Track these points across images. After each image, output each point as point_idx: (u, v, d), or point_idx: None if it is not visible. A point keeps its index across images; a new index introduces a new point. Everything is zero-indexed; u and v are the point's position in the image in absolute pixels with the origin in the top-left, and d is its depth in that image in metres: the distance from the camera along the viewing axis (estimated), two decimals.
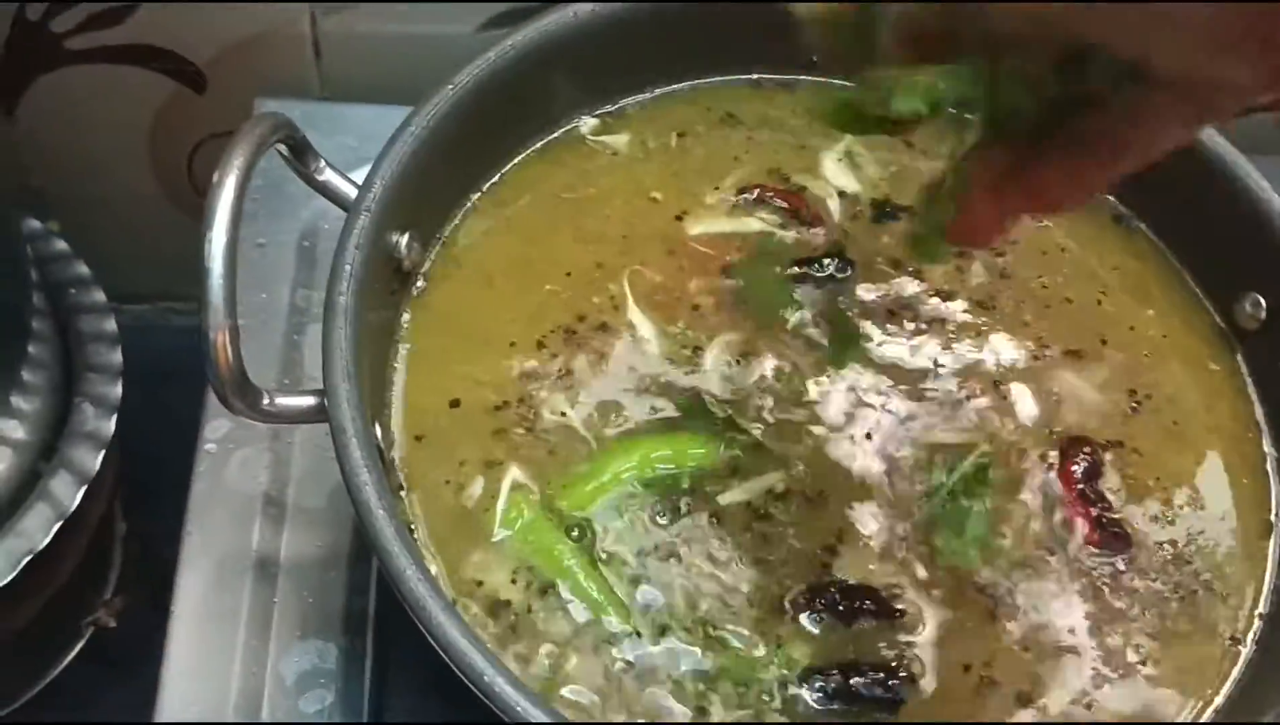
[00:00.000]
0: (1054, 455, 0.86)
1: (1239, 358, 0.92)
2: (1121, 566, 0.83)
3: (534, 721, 0.64)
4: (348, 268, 0.76)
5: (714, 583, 0.78)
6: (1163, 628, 0.81)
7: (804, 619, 0.78)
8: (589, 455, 0.82)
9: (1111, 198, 0.98)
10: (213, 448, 0.98)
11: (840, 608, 0.78)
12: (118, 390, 1.12)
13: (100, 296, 1.16)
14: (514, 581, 0.78)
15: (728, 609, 0.78)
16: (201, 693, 0.88)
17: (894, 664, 0.77)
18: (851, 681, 0.75)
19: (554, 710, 0.65)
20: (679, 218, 0.94)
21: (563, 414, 0.84)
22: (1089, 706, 0.78)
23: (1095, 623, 0.80)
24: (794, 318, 0.89)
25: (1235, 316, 0.92)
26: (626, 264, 0.91)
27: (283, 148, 0.79)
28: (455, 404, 0.84)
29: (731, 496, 0.81)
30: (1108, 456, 0.87)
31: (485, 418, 0.84)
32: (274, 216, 1.09)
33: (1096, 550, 0.83)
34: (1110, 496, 0.85)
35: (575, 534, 0.79)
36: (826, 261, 0.92)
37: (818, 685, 0.75)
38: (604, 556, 0.79)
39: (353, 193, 0.81)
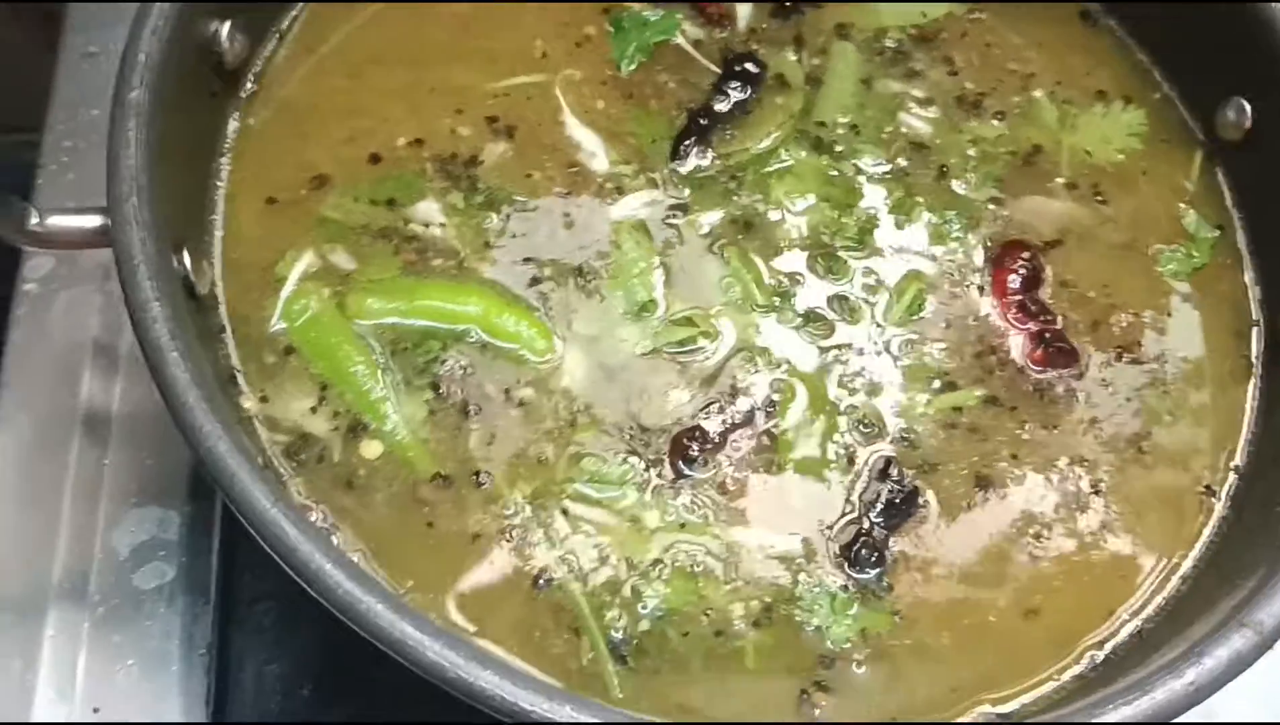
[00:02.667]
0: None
1: (1220, 174, 0.80)
2: (1071, 385, 0.72)
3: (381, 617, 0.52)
4: (142, 57, 0.62)
5: None
6: (1121, 465, 0.71)
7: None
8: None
9: None
10: (33, 288, 0.84)
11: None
12: None
13: None
14: (314, 410, 0.67)
15: None
16: (18, 570, 0.76)
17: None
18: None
19: (390, 595, 0.53)
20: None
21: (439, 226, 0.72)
22: (1038, 537, 0.68)
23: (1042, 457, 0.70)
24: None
25: (1216, 126, 0.79)
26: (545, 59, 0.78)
27: None
28: (275, 202, 0.71)
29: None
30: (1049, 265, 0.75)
31: (331, 231, 0.71)
32: (107, 23, 0.93)
33: (1039, 369, 0.72)
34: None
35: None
36: (731, 88, 0.78)
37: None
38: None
39: None
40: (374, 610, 0.51)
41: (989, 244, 0.75)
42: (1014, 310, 0.73)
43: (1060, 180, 0.78)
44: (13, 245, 0.60)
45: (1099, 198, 0.78)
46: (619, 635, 0.63)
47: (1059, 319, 0.74)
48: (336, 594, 0.52)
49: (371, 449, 0.66)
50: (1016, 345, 0.73)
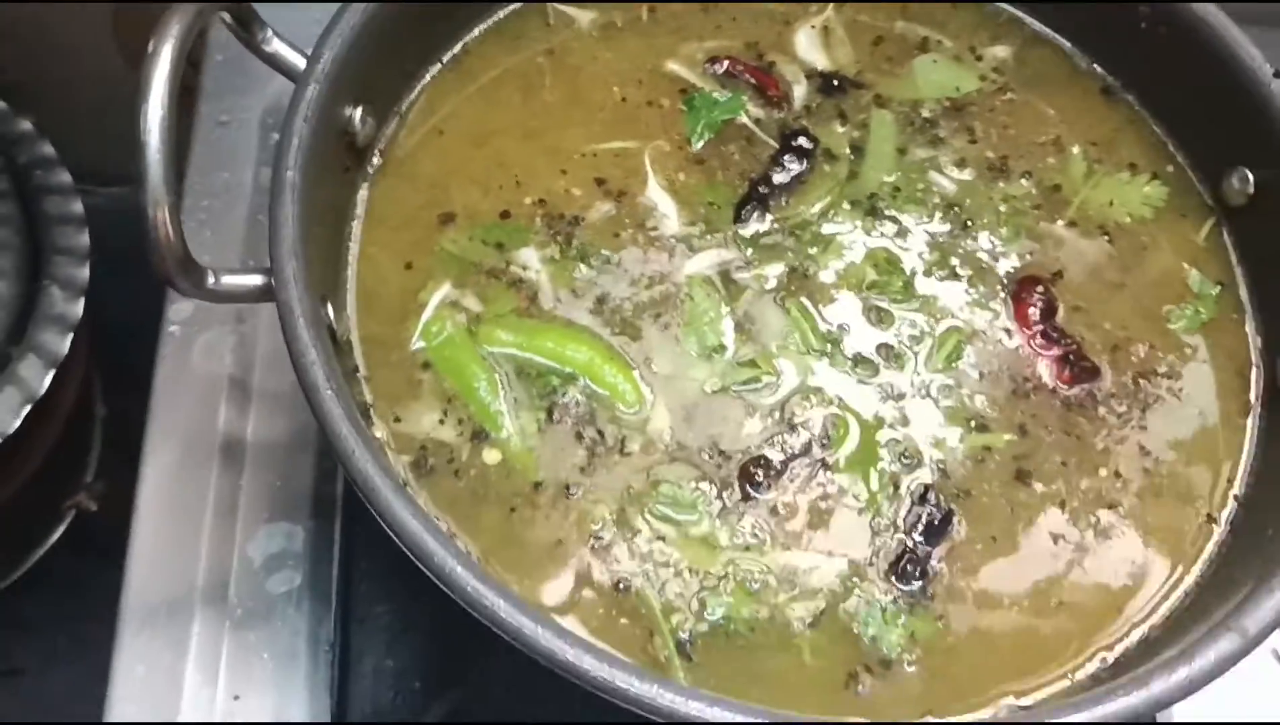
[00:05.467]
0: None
1: (1225, 235, 0.90)
2: (1095, 401, 0.83)
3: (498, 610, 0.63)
4: (295, 141, 0.74)
5: None
6: (1137, 489, 0.81)
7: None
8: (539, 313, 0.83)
9: (1099, 68, 0.94)
10: (176, 331, 0.96)
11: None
12: (85, 272, 1.09)
13: (66, 178, 1.13)
14: (442, 422, 0.78)
15: None
16: (168, 577, 0.88)
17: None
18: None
19: (510, 593, 0.64)
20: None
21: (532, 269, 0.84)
22: (1060, 551, 0.78)
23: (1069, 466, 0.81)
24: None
25: (1222, 193, 0.89)
26: (639, 136, 0.89)
27: (226, 15, 0.76)
28: (409, 267, 0.83)
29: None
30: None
31: (455, 267, 0.83)
32: (236, 92, 1.05)
33: (1067, 387, 0.83)
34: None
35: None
36: (787, 161, 0.89)
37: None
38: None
39: (302, 64, 0.78)
40: (497, 605, 0.62)
41: (1006, 282, 0.86)
42: (1038, 338, 0.83)
43: (1063, 221, 0.88)
44: (191, 298, 0.71)
45: (1105, 237, 0.88)
46: (685, 636, 0.73)
47: (1078, 342, 0.84)
48: (467, 592, 0.63)
49: (492, 455, 0.77)
50: (1046, 371, 0.83)
